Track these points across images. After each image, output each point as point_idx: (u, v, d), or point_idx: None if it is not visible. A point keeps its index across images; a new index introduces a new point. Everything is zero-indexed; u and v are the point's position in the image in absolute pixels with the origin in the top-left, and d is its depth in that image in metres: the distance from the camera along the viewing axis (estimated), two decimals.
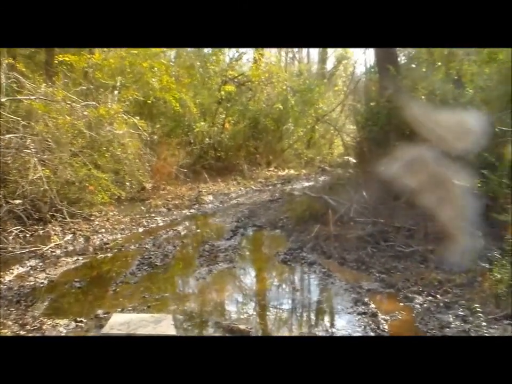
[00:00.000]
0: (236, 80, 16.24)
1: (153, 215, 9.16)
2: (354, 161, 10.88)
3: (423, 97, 8.08)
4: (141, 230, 8.15)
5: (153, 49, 13.01)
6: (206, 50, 16.40)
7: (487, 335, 3.73)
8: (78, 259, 6.48)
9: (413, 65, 9.12)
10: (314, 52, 24.72)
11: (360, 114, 10.85)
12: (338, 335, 4.12)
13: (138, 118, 11.14)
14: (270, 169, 15.75)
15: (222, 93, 15.30)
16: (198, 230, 8.26)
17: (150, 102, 12.76)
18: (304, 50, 24.52)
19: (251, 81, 16.66)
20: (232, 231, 7.85)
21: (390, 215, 6.90)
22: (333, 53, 23.80)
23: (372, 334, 4.07)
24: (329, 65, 24.33)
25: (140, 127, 10.88)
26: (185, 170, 12.85)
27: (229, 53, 17.51)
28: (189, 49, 16.25)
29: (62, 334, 4.18)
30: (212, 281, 5.66)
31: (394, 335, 4.06)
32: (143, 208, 9.72)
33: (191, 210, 9.79)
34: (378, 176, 8.16)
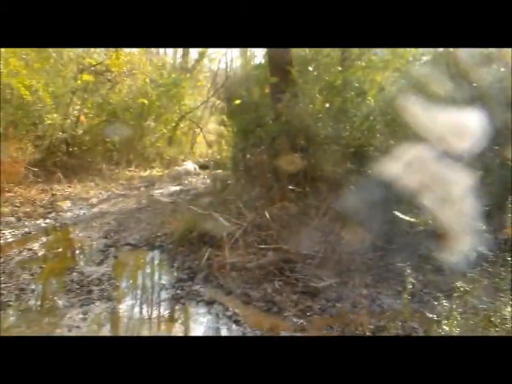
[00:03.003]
0: (93, 69, 14.67)
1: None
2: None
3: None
4: None
5: None
6: None
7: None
8: None
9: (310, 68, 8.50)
10: None
11: (234, 115, 10.15)
12: None
13: None
14: (131, 169, 14.48)
15: (79, 82, 13.75)
16: (60, 249, 6.89)
17: None
18: None
19: (110, 71, 15.24)
20: (101, 251, 6.67)
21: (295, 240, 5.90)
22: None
23: None
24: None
25: None
26: (35, 169, 11.21)
27: None
28: None
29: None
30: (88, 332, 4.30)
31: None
32: None
33: (47, 220, 8.33)
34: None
